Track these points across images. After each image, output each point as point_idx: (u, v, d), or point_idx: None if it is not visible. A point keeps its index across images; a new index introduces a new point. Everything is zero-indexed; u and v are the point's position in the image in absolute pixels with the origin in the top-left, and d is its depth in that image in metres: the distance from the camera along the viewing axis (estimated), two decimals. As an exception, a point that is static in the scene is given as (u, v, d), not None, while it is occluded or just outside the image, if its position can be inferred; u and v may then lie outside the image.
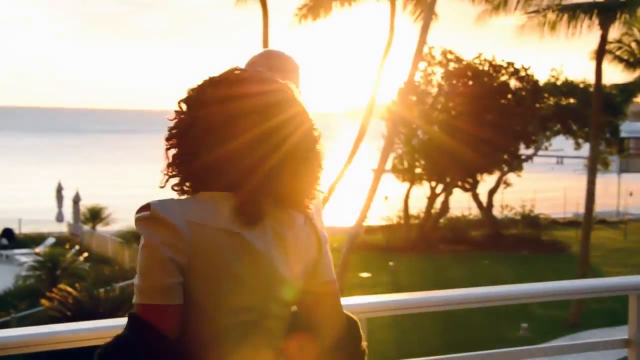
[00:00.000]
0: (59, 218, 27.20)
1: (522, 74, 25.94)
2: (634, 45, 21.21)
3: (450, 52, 25.49)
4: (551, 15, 15.93)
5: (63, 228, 27.10)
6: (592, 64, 16.75)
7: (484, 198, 27.34)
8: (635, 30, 20.31)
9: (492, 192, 27.32)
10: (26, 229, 27.81)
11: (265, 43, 20.02)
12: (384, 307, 2.52)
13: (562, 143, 35.82)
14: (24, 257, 21.58)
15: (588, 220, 16.50)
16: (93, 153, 77.74)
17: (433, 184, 26.37)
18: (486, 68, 25.70)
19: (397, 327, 14.34)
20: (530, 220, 28.06)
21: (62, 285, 13.49)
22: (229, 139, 1.53)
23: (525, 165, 28.19)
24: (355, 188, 25.29)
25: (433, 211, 26.61)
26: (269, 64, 2.18)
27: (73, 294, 12.49)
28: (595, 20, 15.71)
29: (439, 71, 25.70)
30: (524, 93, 25.98)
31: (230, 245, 1.50)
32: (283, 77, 2.14)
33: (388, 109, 25.23)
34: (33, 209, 32.42)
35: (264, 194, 1.53)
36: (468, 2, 19.98)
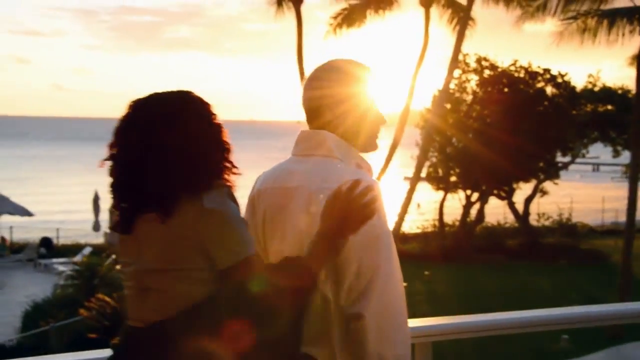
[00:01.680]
0: (96, 227, 27.42)
1: (559, 80, 25.57)
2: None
3: (485, 59, 25.24)
4: (590, 21, 15.66)
5: (100, 237, 27.35)
6: (630, 70, 16.48)
7: (520, 206, 27.02)
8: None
9: (528, 200, 26.97)
10: (64, 239, 28.13)
11: (300, 52, 20.07)
12: (450, 330, 2.44)
13: (599, 150, 35.27)
14: (62, 266, 21.80)
15: (630, 229, 16.18)
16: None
17: (468, 192, 26.13)
18: (522, 75, 25.39)
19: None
20: (567, 229, 27.61)
21: (100, 295, 13.58)
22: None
23: (561, 173, 27.80)
24: (389, 196, 25.18)
25: (468, 220, 26.36)
26: (339, 78, 2.11)
27: (111, 304, 12.56)
28: (637, 26, 15.43)
29: (474, 78, 25.47)
30: (560, 100, 25.62)
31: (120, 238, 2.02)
32: (354, 85, 2.09)
33: (422, 117, 25.10)
34: (71, 219, 32.86)
35: (131, 203, 1.94)
36: (503, 8, 19.87)
